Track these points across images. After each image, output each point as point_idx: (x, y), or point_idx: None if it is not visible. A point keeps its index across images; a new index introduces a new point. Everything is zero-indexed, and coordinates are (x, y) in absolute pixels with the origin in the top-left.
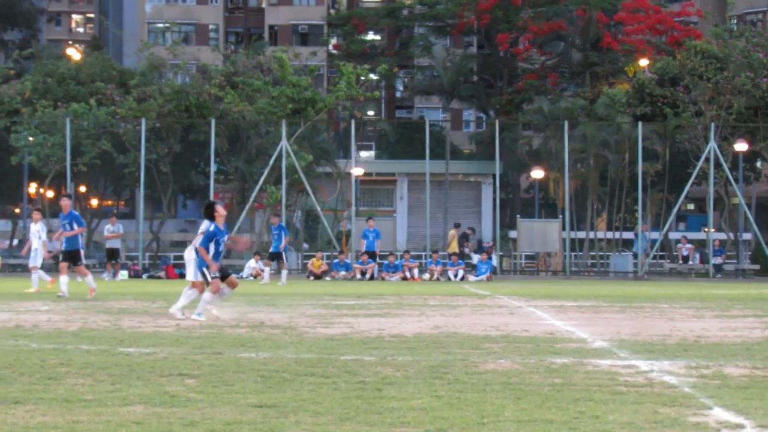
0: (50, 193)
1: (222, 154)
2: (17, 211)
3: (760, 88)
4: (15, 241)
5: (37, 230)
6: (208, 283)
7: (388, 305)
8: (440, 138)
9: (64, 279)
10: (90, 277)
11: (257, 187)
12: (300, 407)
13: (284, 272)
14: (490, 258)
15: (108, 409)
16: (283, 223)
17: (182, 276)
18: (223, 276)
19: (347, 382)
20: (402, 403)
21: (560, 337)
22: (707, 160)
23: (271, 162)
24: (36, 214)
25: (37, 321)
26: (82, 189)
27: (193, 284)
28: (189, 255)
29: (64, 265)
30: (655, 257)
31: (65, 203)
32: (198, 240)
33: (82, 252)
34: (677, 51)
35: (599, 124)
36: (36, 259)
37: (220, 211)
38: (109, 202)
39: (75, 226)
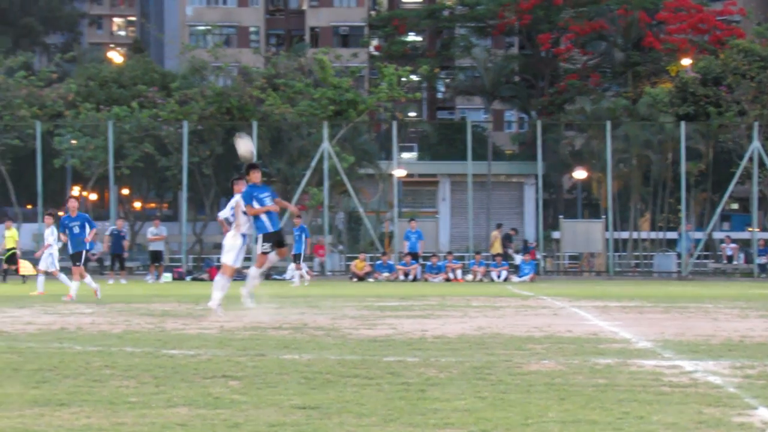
0: (93, 196)
1: (264, 156)
2: (61, 214)
3: None
4: (59, 244)
5: (49, 234)
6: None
7: (431, 306)
8: (482, 139)
9: (87, 281)
10: (76, 285)
11: (299, 189)
12: (343, 408)
13: (303, 273)
14: (533, 259)
15: (152, 411)
16: (305, 225)
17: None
18: (279, 244)
19: (391, 384)
20: (445, 404)
21: (604, 338)
22: (751, 159)
23: (313, 164)
24: (48, 219)
25: (81, 323)
26: (125, 192)
27: (224, 269)
28: (234, 241)
29: (76, 269)
30: (699, 257)
31: (73, 205)
32: (240, 208)
33: (85, 253)
34: (720, 50)
35: (642, 124)
36: (55, 263)
37: (253, 177)
38: (152, 205)
39: (87, 228)
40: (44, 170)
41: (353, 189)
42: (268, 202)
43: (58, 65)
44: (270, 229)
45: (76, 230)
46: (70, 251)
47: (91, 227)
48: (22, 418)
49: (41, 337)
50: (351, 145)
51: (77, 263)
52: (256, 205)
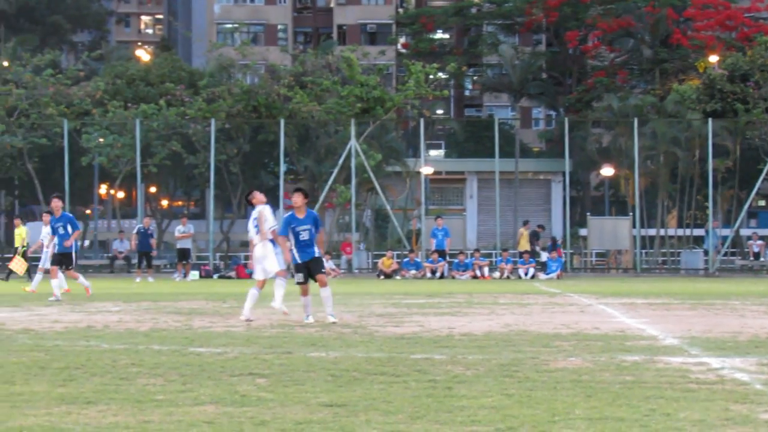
0: (121, 194)
1: (291, 153)
2: (88, 212)
3: None
4: (86, 242)
5: (47, 232)
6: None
7: (458, 304)
8: (509, 136)
9: (56, 282)
10: (82, 278)
11: (327, 187)
12: (370, 406)
13: None
14: (560, 256)
15: (179, 409)
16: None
17: (252, 277)
18: (311, 275)
19: (418, 381)
20: (472, 402)
21: (631, 335)
22: None
23: (341, 161)
24: (46, 217)
25: (108, 321)
26: (153, 190)
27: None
28: (265, 250)
29: (55, 268)
30: (726, 254)
31: (57, 204)
32: (274, 229)
33: (75, 255)
34: (747, 47)
35: (669, 121)
36: (46, 261)
37: (295, 200)
38: (180, 203)
39: (70, 229)
40: (71, 168)
41: (380, 187)
42: (304, 235)
43: (86, 63)
44: (298, 260)
45: (61, 231)
46: (56, 251)
47: (74, 228)
48: (50, 416)
49: (68, 335)
50: (378, 142)
51: (69, 267)
52: (288, 240)
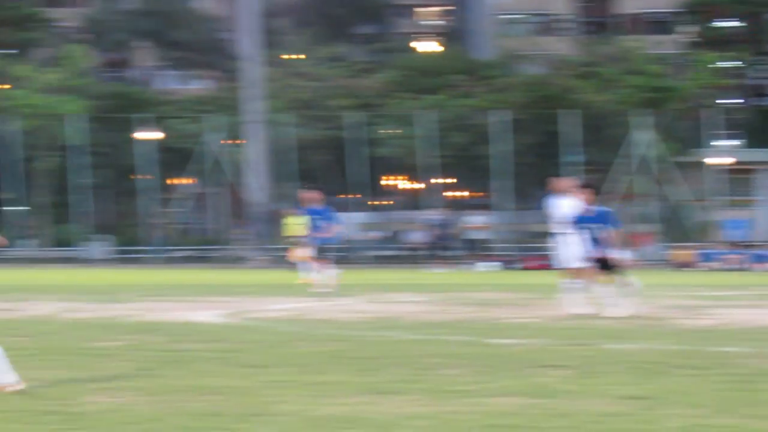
0: (412, 185)
1: (581, 144)
2: (381, 202)
3: None
4: (380, 233)
5: (313, 222)
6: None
7: (758, 296)
8: None
9: (321, 273)
10: (323, 272)
11: (616, 178)
12: (673, 399)
13: None
14: None
15: (480, 400)
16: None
17: (549, 268)
18: (606, 267)
19: (721, 374)
20: None
21: None
22: None
23: (629, 151)
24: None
25: (409, 312)
26: (446, 181)
27: (576, 273)
28: (560, 242)
29: (318, 258)
30: None
31: (315, 196)
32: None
33: (326, 246)
34: None
35: None
36: (312, 251)
37: (584, 195)
38: (474, 194)
39: (328, 223)
40: (357, 160)
41: (672, 177)
42: (586, 233)
43: (371, 55)
44: (588, 253)
45: (318, 223)
46: (318, 242)
47: (332, 221)
48: (352, 405)
49: (367, 325)
50: (668, 132)
51: (322, 255)
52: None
